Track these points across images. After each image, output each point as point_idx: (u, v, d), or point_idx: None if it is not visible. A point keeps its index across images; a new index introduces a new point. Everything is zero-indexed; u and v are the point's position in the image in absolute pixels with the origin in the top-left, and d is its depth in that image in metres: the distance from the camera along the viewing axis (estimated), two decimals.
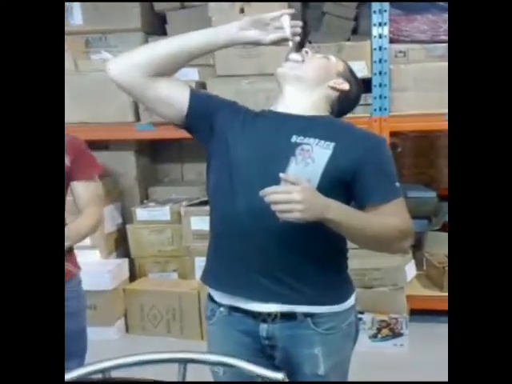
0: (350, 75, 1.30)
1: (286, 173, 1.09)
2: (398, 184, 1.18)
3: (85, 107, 2.62)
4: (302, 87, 1.23)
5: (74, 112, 2.50)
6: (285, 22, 1.18)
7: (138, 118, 2.68)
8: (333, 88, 1.25)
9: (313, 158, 1.14)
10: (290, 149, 1.15)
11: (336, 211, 1.04)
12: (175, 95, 1.21)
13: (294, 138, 1.16)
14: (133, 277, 2.84)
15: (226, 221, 1.19)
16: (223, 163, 1.19)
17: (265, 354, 1.22)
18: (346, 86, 1.27)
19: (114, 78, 1.20)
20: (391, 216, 1.13)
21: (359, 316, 2.43)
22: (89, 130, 2.47)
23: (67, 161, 1.52)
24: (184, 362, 1.04)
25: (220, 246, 1.23)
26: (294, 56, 1.24)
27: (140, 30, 2.80)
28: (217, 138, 1.22)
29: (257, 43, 1.21)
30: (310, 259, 1.17)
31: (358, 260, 2.40)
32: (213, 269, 1.26)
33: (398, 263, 2.53)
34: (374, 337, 2.43)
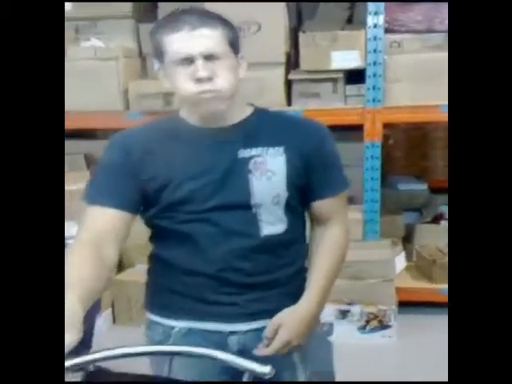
0: (226, 30, 1.02)
1: (251, 191, 1.04)
2: (344, 173, 1.16)
3: (73, 95, 2.58)
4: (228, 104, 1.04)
5: None
6: None
7: (127, 107, 2.65)
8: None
9: (271, 170, 1.05)
10: (242, 166, 1.05)
11: (315, 307, 1.08)
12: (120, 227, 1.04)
13: (240, 154, 1.06)
14: (120, 267, 2.82)
15: (201, 257, 1.07)
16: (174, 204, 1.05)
17: (234, 372, 1.02)
18: (244, 63, 1.08)
19: None
20: (335, 226, 1.13)
21: (348, 308, 2.44)
22: (78, 118, 2.43)
23: None
24: (171, 354, 1.04)
25: (181, 279, 1.10)
26: (201, 80, 0.99)
27: (130, 16, 2.75)
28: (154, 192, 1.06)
29: None
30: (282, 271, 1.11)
31: (348, 252, 2.40)
32: (172, 301, 1.12)
33: (388, 255, 2.53)
34: (362, 328, 2.43)
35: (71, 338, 0.81)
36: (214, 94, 1.00)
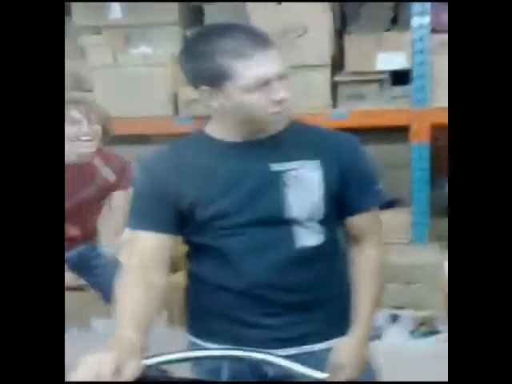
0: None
1: (286, 205, 1.02)
2: (379, 186, 1.13)
3: (123, 101, 2.66)
4: None
5: (113, 106, 2.54)
6: None
7: (176, 112, 2.71)
8: None
9: (308, 184, 1.03)
10: (277, 179, 1.03)
11: (366, 339, 1.09)
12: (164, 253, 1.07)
13: (273, 167, 1.03)
14: (175, 269, 2.87)
15: (238, 276, 1.06)
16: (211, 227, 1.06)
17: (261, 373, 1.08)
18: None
19: None
20: (370, 248, 1.11)
21: (398, 313, 2.40)
22: (128, 124, 2.51)
23: (113, 178, 1.87)
24: (233, 358, 1.04)
25: (215, 297, 1.10)
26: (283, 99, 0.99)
27: (177, 23, 2.81)
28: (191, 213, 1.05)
29: None
30: (326, 295, 1.10)
31: (397, 256, 2.37)
32: (208, 323, 1.12)
33: (438, 260, 2.48)
34: (412, 333, 2.40)
35: (134, 366, 0.89)
36: (285, 113, 1.02)
